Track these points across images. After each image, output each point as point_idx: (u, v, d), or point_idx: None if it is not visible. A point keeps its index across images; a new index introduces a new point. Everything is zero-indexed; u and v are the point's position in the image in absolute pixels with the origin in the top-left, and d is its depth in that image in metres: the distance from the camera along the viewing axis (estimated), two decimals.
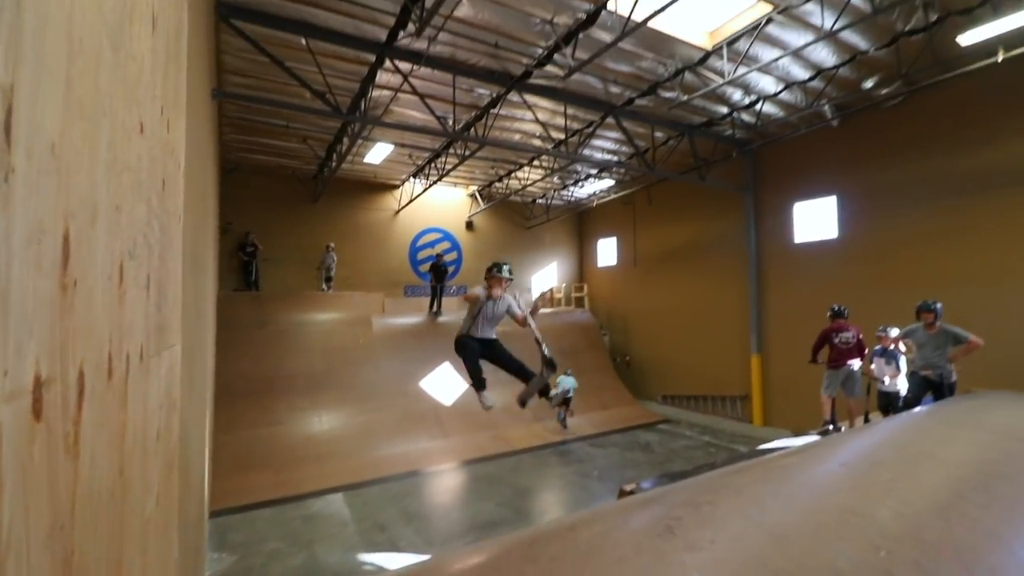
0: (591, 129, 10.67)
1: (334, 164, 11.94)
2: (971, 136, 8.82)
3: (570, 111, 9.88)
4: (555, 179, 14.84)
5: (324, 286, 13.42)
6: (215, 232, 8.81)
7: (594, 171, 14.09)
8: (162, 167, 1.62)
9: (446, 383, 12.11)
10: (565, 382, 11.98)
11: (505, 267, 4.42)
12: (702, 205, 13.71)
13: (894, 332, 6.60)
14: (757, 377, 12.31)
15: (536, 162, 13.14)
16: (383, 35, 7.20)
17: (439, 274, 13.64)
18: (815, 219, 11.31)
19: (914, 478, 1.38)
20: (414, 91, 8.23)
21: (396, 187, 15.30)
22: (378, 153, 11.61)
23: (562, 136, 10.81)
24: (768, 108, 10.14)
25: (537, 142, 11.31)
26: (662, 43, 7.58)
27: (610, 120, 10.16)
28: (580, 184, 15.42)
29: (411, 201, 14.90)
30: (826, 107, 9.91)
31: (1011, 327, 7.99)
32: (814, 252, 11.27)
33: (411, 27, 6.69)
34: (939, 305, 5.99)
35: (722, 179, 12.49)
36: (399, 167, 13.53)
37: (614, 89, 9.14)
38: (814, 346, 7.37)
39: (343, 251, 14.04)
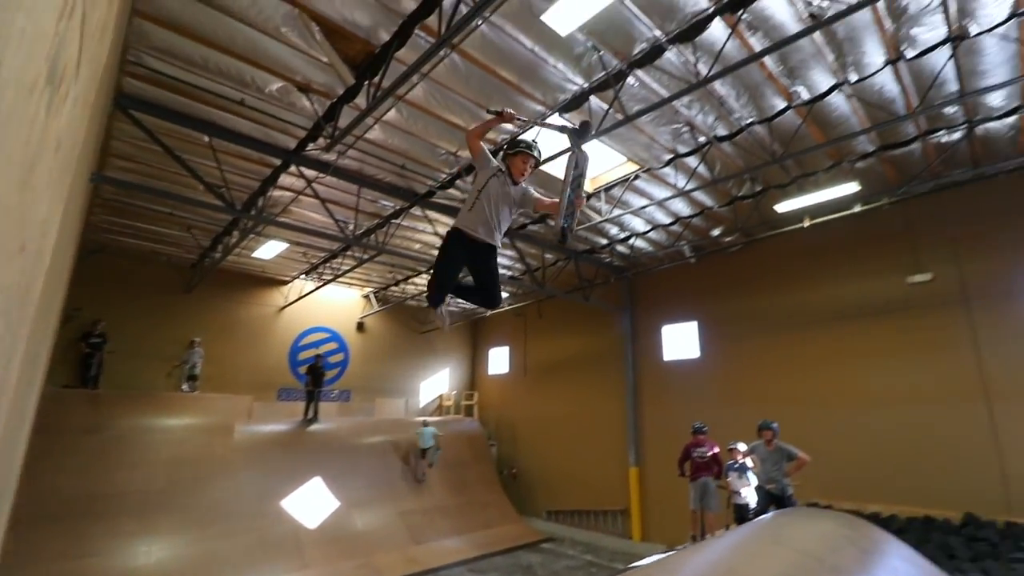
0: None
1: (218, 255, 11.34)
2: (791, 282, 10.79)
3: None
4: None
5: (186, 386, 11.97)
6: (57, 321, 7.73)
7: None
8: (30, 276, 1.55)
9: (313, 501, 10.91)
10: (425, 432, 12.63)
11: (536, 147, 3.35)
12: (586, 322, 14.79)
13: (742, 447, 7.36)
14: (636, 490, 12.67)
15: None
16: (292, 143, 7.43)
17: (317, 377, 12.81)
18: (682, 340, 12.68)
19: None
20: (316, 196, 8.38)
21: (285, 283, 14.72)
22: (270, 249, 11.28)
23: None
24: (639, 243, 11.68)
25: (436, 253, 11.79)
26: (551, 183, 8.64)
27: (506, 240, 10.99)
28: None
29: (300, 299, 14.33)
30: (685, 247, 11.66)
31: (837, 443, 9.26)
32: (682, 370, 12.47)
33: (322, 141, 7.02)
34: (775, 424, 6.87)
35: (603, 300, 13.73)
36: (291, 264, 13.17)
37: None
38: (679, 460, 8.05)
39: (215, 347, 12.81)
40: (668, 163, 8.02)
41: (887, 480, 8.80)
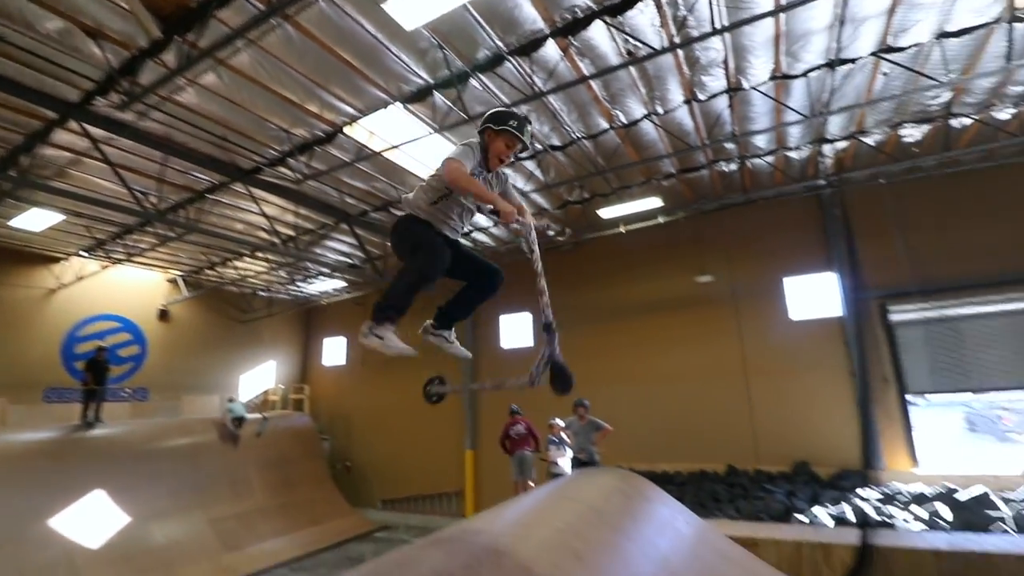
0: (324, 232, 10.77)
1: None
2: (611, 278, 12.22)
3: (302, 211, 9.85)
4: (282, 273, 14.07)
5: None
6: None
7: (326, 270, 13.95)
8: None
9: (95, 518, 9.23)
10: (234, 406, 12.27)
11: (529, 126, 2.65)
12: (429, 312, 14.83)
13: (560, 423, 8.21)
14: (470, 471, 13.24)
15: (260, 254, 12.32)
16: (75, 95, 6.09)
17: (99, 373, 10.61)
18: (519, 329, 13.53)
19: None
20: (106, 160, 7.03)
21: (59, 260, 12.04)
22: (37, 219, 9.12)
23: (292, 233, 10.57)
24: (482, 238, 12.11)
25: (263, 235, 10.73)
26: (395, 172, 8.49)
27: (344, 226, 10.47)
28: (310, 281, 14.96)
29: (79, 280, 11.88)
30: (523, 243, 12.38)
31: (639, 415, 10.82)
32: (518, 357, 13.27)
33: (116, 97, 5.90)
34: (587, 402, 7.78)
35: (447, 290, 13.92)
36: (69, 238, 10.79)
37: (350, 200, 9.59)
38: (500, 440, 8.92)
39: None
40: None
41: (674, 443, 10.59)
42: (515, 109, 2.78)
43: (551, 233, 11.84)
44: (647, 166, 8.79)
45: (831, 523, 6.41)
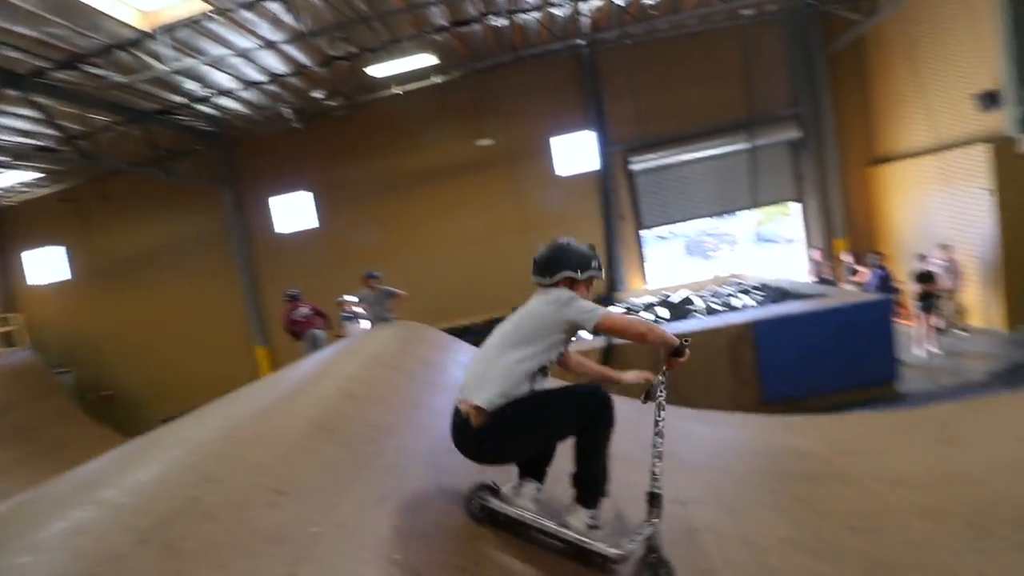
0: None
1: None
2: (393, 145, 11.69)
3: None
4: None
5: None
6: None
7: (3, 158, 10.15)
8: None
9: None
10: None
11: (597, 259, 2.34)
12: (176, 200, 12.38)
13: (350, 299, 8.20)
14: (266, 367, 12.54)
15: None
16: None
17: None
18: (298, 210, 12.20)
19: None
20: None
21: None
22: None
23: None
24: (231, 104, 10.12)
25: None
26: (77, 11, 6.18)
27: (17, 93, 7.54)
28: None
29: None
30: (286, 109, 10.74)
31: (435, 279, 11.35)
32: (301, 241, 12.07)
33: None
34: (378, 273, 7.85)
35: (195, 173, 11.66)
36: None
37: (13, 55, 6.81)
38: (285, 328, 8.64)
39: None
40: (248, 7, 6.87)
41: (468, 299, 11.54)
42: (576, 243, 2.34)
43: (319, 96, 10.46)
44: (416, 16, 8.15)
45: (589, 336, 8.02)
